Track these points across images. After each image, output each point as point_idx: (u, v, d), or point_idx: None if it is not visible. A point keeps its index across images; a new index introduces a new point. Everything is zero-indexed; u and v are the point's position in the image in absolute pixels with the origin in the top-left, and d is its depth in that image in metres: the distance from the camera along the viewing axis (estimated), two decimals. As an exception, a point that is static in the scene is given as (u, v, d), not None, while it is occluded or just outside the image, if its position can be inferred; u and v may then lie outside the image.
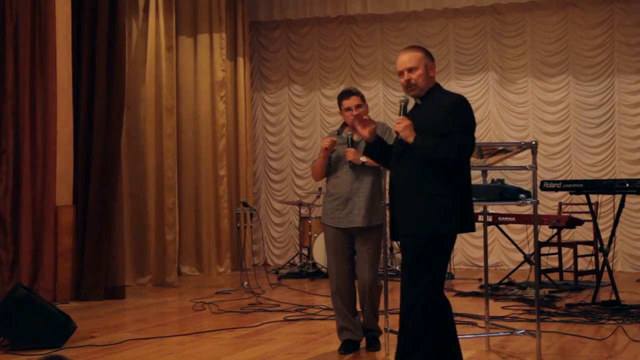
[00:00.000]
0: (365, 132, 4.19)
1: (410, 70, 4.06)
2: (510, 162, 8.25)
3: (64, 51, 7.96)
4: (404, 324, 4.03)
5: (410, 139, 3.94)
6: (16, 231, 7.46)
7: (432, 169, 3.92)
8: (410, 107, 4.16)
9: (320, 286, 8.80)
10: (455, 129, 3.91)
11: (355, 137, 5.34)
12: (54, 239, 7.73)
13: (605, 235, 7.89)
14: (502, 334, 5.60)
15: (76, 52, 8.20)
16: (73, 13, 8.11)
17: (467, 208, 4.03)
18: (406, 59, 4.08)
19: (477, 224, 9.22)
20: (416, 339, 3.97)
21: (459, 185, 3.98)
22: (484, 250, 5.51)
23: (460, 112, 3.98)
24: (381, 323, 5.33)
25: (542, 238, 9.21)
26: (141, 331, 6.23)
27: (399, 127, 3.98)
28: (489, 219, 8.35)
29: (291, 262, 10.64)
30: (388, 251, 9.92)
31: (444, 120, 3.94)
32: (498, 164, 5.49)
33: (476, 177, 9.04)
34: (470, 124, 4.00)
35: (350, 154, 5.24)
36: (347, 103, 5.33)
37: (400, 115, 4.06)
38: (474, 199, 5.13)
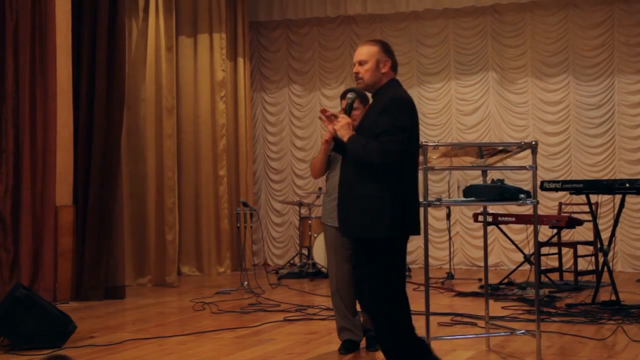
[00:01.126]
0: (330, 128, 4.11)
1: (360, 63, 4.04)
2: (510, 162, 8.22)
3: (64, 51, 7.96)
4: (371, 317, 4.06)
5: (345, 139, 3.94)
6: (16, 231, 7.46)
7: (367, 170, 3.88)
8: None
9: (320, 286, 8.80)
10: (383, 130, 3.84)
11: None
12: (54, 239, 7.73)
13: (605, 235, 7.89)
14: (502, 334, 5.60)
15: (76, 52, 8.20)
16: (73, 13, 8.11)
17: (404, 211, 3.91)
18: (360, 52, 4.06)
19: (477, 224, 9.32)
20: (387, 346, 3.98)
21: (395, 188, 3.88)
22: (484, 250, 5.51)
23: (391, 113, 3.88)
24: (381, 323, 5.32)
25: (542, 238, 9.21)
26: (141, 331, 6.23)
27: (337, 125, 3.98)
28: (489, 219, 8.36)
29: (291, 262, 10.64)
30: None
31: (378, 120, 3.90)
32: (498, 164, 5.49)
33: (476, 177, 9.11)
34: (403, 125, 3.86)
35: (350, 154, 5.23)
36: (344, 104, 5.32)
37: (345, 112, 4.07)
38: (473, 198, 5.16)
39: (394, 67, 4.13)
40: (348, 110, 4.11)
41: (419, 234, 4.09)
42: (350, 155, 3.95)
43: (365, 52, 4.05)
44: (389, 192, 3.87)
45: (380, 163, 3.83)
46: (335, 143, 4.12)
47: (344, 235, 4.04)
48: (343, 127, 3.96)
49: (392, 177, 3.89)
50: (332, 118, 4.07)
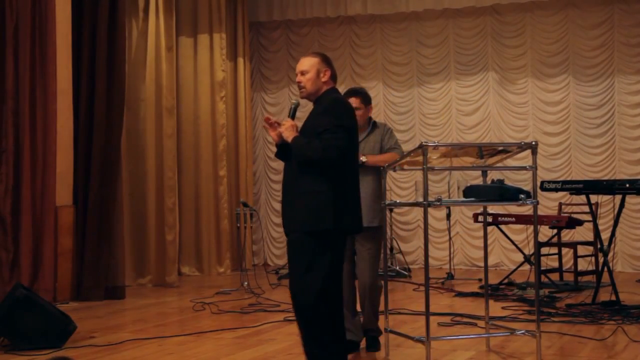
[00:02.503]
0: (272, 135, 4.33)
1: (302, 73, 4.34)
2: (510, 162, 8.22)
3: (64, 51, 7.96)
4: (300, 318, 4.19)
5: (290, 139, 4.19)
6: (16, 231, 7.46)
7: (309, 168, 4.12)
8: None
9: (320, 286, 8.79)
10: (325, 129, 4.10)
11: (356, 137, 5.34)
12: (54, 239, 7.72)
13: (605, 235, 7.89)
14: (502, 334, 5.60)
15: (76, 52, 8.20)
16: (73, 13, 8.10)
17: (345, 206, 4.16)
18: (302, 63, 4.36)
19: (477, 224, 9.32)
20: (310, 335, 4.15)
21: (336, 183, 4.12)
22: (484, 251, 5.51)
23: (331, 112, 4.16)
24: (381, 323, 5.33)
25: (542, 238, 9.21)
26: (141, 331, 6.23)
27: (283, 128, 4.23)
28: (489, 219, 8.35)
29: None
30: (388, 251, 9.92)
31: (319, 121, 4.16)
32: (498, 164, 5.49)
33: (476, 178, 9.11)
34: (343, 124, 4.12)
35: (351, 154, 5.24)
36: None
37: (289, 117, 4.32)
38: (473, 199, 5.16)
39: (334, 77, 4.39)
40: (292, 115, 4.36)
41: (360, 231, 4.36)
42: (295, 154, 4.18)
43: (307, 63, 4.34)
44: (331, 187, 4.11)
45: (322, 159, 4.08)
46: (278, 149, 4.36)
47: (287, 231, 4.24)
48: (288, 129, 4.22)
49: (334, 173, 4.13)
50: (275, 125, 4.32)
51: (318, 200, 4.09)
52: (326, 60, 4.37)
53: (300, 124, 4.33)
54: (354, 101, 5.30)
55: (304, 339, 4.18)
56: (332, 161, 4.09)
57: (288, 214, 4.23)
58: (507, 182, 5.26)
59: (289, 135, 4.20)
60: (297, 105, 4.42)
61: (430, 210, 9.34)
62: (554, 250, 9.01)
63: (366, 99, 5.38)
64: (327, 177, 4.11)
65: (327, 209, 4.08)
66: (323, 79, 4.32)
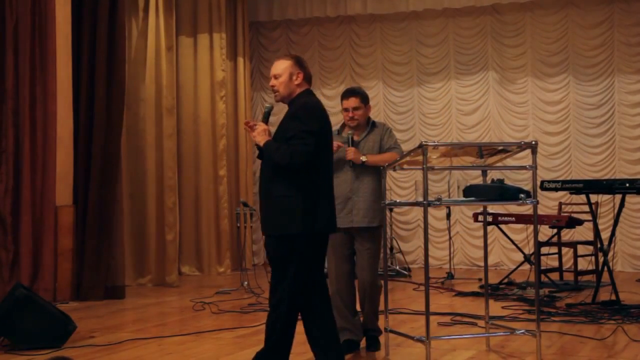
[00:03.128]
0: (252, 136, 4.39)
1: (275, 76, 4.37)
2: (510, 162, 8.23)
3: (64, 51, 7.96)
4: (268, 317, 4.33)
5: (262, 144, 4.28)
6: (16, 231, 7.46)
7: (279, 172, 4.20)
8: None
9: (320, 286, 8.79)
10: (293, 134, 4.17)
11: (356, 137, 5.34)
12: (54, 239, 7.72)
13: (605, 235, 7.89)
14: (502, 334, 5.60)
15: (76, 52, 8.20)
16: (73, 13, 8.11)
17: (316, 209, 4.23)
18: (274, 66, 4.39)
19: (477, 224, 9.32)
20: (270, 333, 4.31)
21: (306, 188, 4.20)
22: (484, 250, 5.51)
23: (300, 118, 4.21)
24: (381, 323, 5.33)
25: (542, 238, 9.21)
26: (141, 331, 6.23)
27: (255, 132, 4.32)
28: (489, 219, 8.35)
29: (291, 262, 10.62)
30: (388, 251, 9.92)
31: (289, 126, 4.24)
32: (498, 164, 5.49)
33: (476, 177, 9.10)
34: (311, 130, 4.17)
35: (351, 153, 5.24)
36: (345, 104, 5.36)
37: (262, 121, 4.38)
38: (473, 198, 5.16)
39: (307, 79, 4.41)
40: (265, 119, 4.40)
41: (334, 231, 4.44)
42: (266, 159, 4.27)
43: (280, 66, 4.37)
44: (300, 191, 4.19)
45: (290, 164, 4.14)
46: (259, 151, 4.42)
47: (263, 233, 4.38)
48: (260, 134, 4.30)
49: (304, 178, 4.20)
50: (254, 127, 4.38)
51: (287, 204, 4.18)
52: (299, 63, 4.39)
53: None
54: (353, 101, 5.31)
55: (269, 316, 4.32)
56: (298, 167, 4.16)
57: (263, 216, 4.34)
58: (507, 182, 5.26)
59: (260, 140, 4.28)
60: (270, 109, 4.49)
61: (430, 209, 9.34)
62: (554, 249, 9.01)
63: (365, 98, 5.39)
64: (296, 181, 4.19)
65: (295, 213, 4.17)
66: (296, 82, 4.35)
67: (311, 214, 4.20)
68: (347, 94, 5.35)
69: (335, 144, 5.28)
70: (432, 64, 10.80)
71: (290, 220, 4.17)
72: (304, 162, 4.15)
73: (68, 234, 7.84)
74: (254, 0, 11.25)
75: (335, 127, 5.67)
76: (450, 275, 9.10)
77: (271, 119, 4.53)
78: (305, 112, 4.24)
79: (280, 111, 4.64)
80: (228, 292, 8.33)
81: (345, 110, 5.33)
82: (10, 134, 7.46)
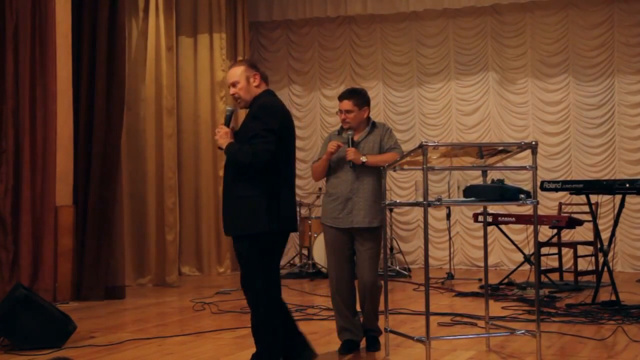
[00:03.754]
0: (215, 140, 4.49)
1: (233, 85, 4.43)
2: (510, 162, 8.24)
3: (64, 51, 7.96)
4: (251, 321, 4.48)
5: (224, 146, 4.34)
6: (16, 231, 7.46)
7: (242, 173, 4.28)
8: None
9: (320, 286, 8.80)
10: (254, 134, 4.24)
11: (356, 137, 5.34)
12: (54, 239, 7.72)
13: (605, 235, 7.89)
14: (502, 334, 5.60)
15: (76, 52, 8.21)
16: (73, 13, 8.11)
17: (278, 208, 4.31)
18: (230, 75, 4.45)
19: (477, 224, 9.32)
20: (259, 337, 4.43)
21: (268, 187, 4.28)
22: (484, 251, 5.51)
23: (260, 118, 4.28)
24: (381, 323, 5.33)
25: (542, 238, 9.21)
26: (141, 331, 6.23)
27: (217, 135, 4.38)
28: (489, 219, 8.35)
29: (291, 262, 10.64)
30: (388, 251, 9.92)
31: (249, 126, 4.30)
32: (498, 164, 5.49)
33: (476, 177, 9.11)
34: (271, 128, 4.23)
35: (351, 153, 5.24)
36: (339, 106, 5.39)
37: (224, 124, 4.42)
38: (473, 198, 5.16)
39: (265, 79, 4.49)
40: (227, 123, 4.46)
41: (296, 230, 4.53)
42: (228, 160, 4.35)
43: (235, 73, 4.43)
44: (263, 191, 4.27)
45: (252, 163, 4.21)
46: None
47: (227, 234, 4.46)
48: (222, 137, 4.37)
49: (266, 178, 4.28)
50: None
51: (251, 204, 4.25)
52: (252, 65, 4.47)
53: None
54: (346, 104, 5.29)
55: (252, 318, 4.45)
56: (262, 165, 4.22)
57: (226, 217, 4.39)
58: (507, 182, 5.26)
59: (222, 143, 4.34)
60: (232, 112, 4.52)
61: (430, 210, 9.33)
62: (554, 250, 9.01)
63: (361, 101, 5.33)
64: (258, 181, 4.26)
65: (259, 212, 4.24)
66: (254, 84, 4.42)
67: (274, 213, 4.28)
68: (341, 97, 5.36)
69: (336, 144, 5.28)
70: (432, 65, 10.80)
71: (254, 219, 4.25)
72: (266, 161, 4.21)
73: (68, 234, 7.84)
74: (254, 0, 11.25)
75: (335, 128, 5.68)
76: (450, 276, 9.10)
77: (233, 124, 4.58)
78: (264, 111, 4.30)
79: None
80: (228, 292, 8.33)
81: (340, 112, 5.35)
82: (10, 134, 7.46)
